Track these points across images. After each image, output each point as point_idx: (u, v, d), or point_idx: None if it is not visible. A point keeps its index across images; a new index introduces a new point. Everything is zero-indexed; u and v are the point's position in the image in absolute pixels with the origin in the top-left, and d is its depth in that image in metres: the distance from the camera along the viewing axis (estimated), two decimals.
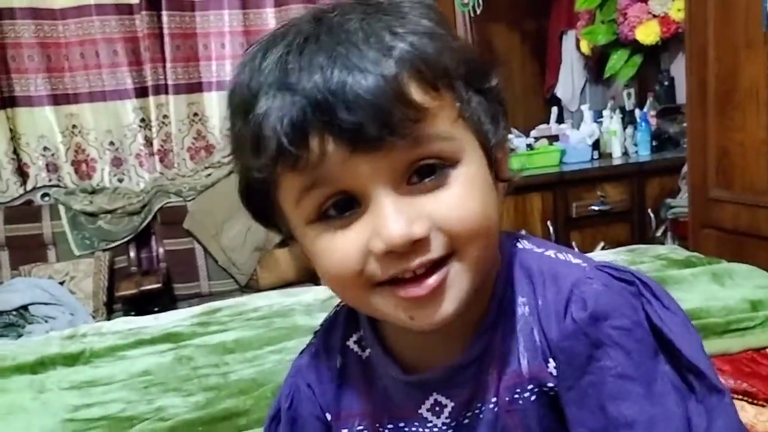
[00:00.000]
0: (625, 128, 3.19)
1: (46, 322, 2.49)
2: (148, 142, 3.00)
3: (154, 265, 2.89)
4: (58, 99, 2.88)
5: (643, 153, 3.13)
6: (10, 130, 2.84)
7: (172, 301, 2.78)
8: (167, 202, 2.88)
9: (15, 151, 2.86)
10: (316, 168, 0.44)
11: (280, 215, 0.50)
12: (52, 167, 2.92)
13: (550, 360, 0.50)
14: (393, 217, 0.44)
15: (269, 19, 3.05)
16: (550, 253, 0.54)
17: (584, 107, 3.26)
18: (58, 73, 2.87)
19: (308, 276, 2.92)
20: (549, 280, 0.51)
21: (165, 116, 3.00)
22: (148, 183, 2.99)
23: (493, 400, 0.51)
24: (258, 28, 3.05)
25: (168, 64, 2.94)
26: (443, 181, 0.46)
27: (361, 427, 0.56)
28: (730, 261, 1.80)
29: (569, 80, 3.43)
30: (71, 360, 1.50)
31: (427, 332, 0.49)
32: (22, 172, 2.88)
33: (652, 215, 2.97)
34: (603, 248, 2.81)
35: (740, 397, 1.29)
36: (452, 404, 0.53)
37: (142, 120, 2.98)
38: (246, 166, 0.48)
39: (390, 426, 0.55)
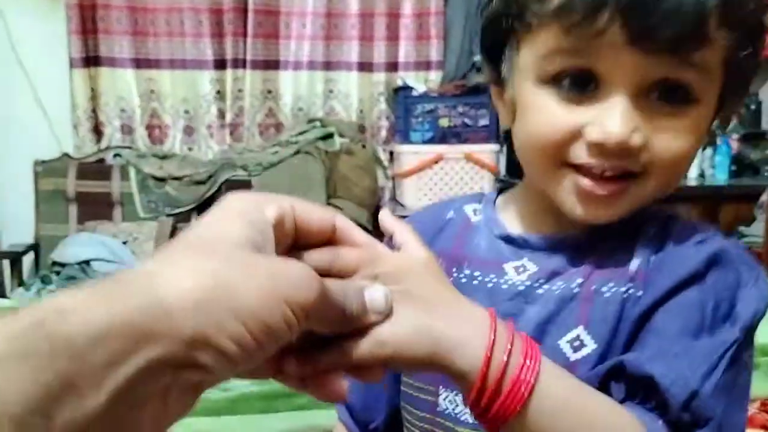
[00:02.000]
0: (703, 149, 3.08)
1: None
2: (221, 114, 3.03)
3: None
4: (139, 63, 2.93)
5: (721, 177, 3.02)
6: (92, 89, 2.91)
7: None
8: (233, 175, 2.91)
9: (93, 110, 2.93)
10: (587, 38, 0.46)
11: (510, 57, 0.53)
12: (127, 129, 2.98)
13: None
14: (621, 118, 0.47)
15: (352, 2, 3.04)
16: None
17: None
18: (143, 38, 2.93)
19: None
20: (682, 223, 0.54)
21: (240, 90, 3.03)
22: (217, 154, 3.03)
23: (579, 281, 0.53)
24: (340, 11, 3.05)
25: (249, 39, 2.97)
26: (680, 110, 0.49)
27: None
28: None
29: None
30: None
31: (551, 205, 0.53)
32: (97, 131, 2.95)
33: None
34: None
35: None
36: (536, 268, 0.55)
37: (218, 92, 3.01)
38: (520, 3, 0.50)
39: (467, 272, 0.57)
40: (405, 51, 3.13)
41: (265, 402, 1.22)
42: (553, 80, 0.50)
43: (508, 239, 0.57)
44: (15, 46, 2.80)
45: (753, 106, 3.09)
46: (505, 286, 0.55)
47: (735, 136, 3.08)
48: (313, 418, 1.22)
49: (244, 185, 2.89)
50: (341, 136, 3.02)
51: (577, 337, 0.52)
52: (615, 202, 0.51)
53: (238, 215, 0.36)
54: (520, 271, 0.55)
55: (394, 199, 3.11)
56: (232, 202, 0.37)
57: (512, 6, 0.51)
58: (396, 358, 0.38)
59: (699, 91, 0.49)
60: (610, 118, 0.47)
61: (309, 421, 1.22)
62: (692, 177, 3.06)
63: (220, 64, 2.98)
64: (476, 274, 0.57)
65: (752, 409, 1.33)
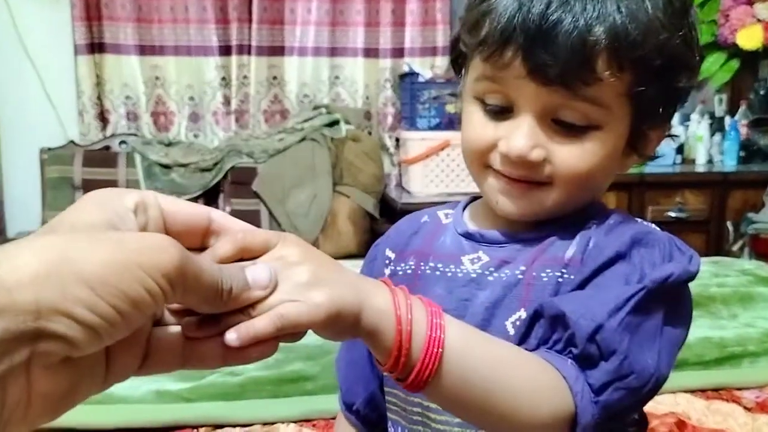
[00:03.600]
0: (712, 135, 3.06)
1: None
2: (227, 100, 3.02)
3: None
4: (144, 50, 2.92)
5: (729, 163, 3.00)
6: (97, 76, 2.90)
7: None
8: (239, 162, 2.90)
9: (98, 97, 2.92)
10: (499, 69, 0.56)
11: (463, 77, 0.64)
12: (132, 116, 2.97)
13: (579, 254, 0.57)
14: (523, 136, 0.56)
15: None
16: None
17: None
18: (147, 24, 2.91)
19: (368, 250, 2.91)
20: (625, 220, 0.59)
21: (245, 77, 3.01)
22: (222, 141, 3.02)
23: (522, 268, 0.59)
24: None
25: (254, 25, 2.95)
26: (579, 134, 0.56)
27: (411, 264, 0.65)
28: None
29: None
30: None
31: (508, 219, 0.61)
32: (103, 118, 2.94)
33: (731, 228, 2.85)
34: None
35: None
36: (488, 258, 0.61)
37: (223, 78, 3.00)
38: (461, 33, 0.61)
39: (431, 264, 0.64)
40: (411, 36, 3.11)
41: (274, 387, 1.21)
42: (481, 99, 0.59)
43: (468, 235, 0.64)
44: (20, 34, 2.79)
45: (762, 92, 3.07)
46: (460, 275, 0.62)
47: (744, 121, 3.05)
48: (322, 403, 1.22)
49: (250, 172, 2.88)
50: (347, 122, 3.01)
51: (519, 318, 0.57)
52: (524, 198, 0.59)
53: (94, 203, 0.38)
54: (474, 261, 0.62)
55: (400, 185, 3.10)
56: (90, 194, 0.39)
57: (459, 36, 0.61)
58: (299, 326, 0.40)
59: (599, 119, 0.56)
60: (515, 136, 0.56)
61: (318, 406, 1.22)
62: (701, 163, 3.04)
63: (225, 51, 2.97)
64: (439, 265, 0.63)
65: (764, 394, 1.33)
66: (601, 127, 0.56)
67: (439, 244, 0.65)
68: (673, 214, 2.82)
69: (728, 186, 2.87)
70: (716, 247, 2.86)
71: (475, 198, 0.69)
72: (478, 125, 0.59)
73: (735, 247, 2.83)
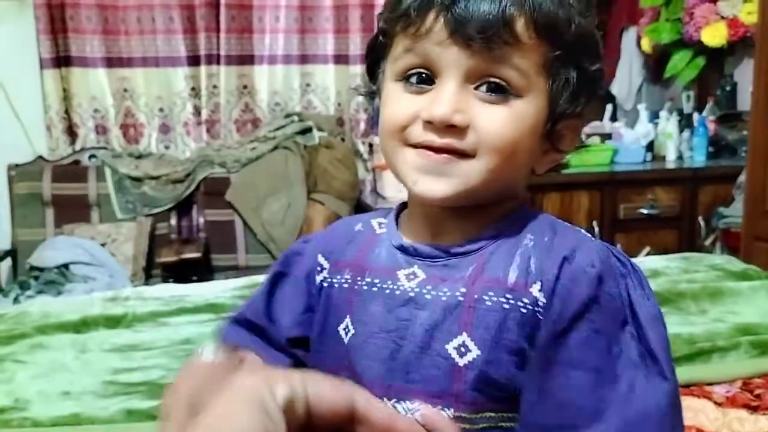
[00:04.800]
0: (681, 131, 3.10)
1: (86, 282, 2.52)
2: (197, 111, 3.00)
3: (193, 234, 2.90)
4: (111, 62, 2.89)
5: (699, 158, 3.04)
6: (64, 89, 2.86)
7: (209, 271, 2.79)
8: (211, 173, 2.88)
9: (66, 111, 2.88)
10: (420, 38, 0.55)
11: (381, 70, 0.62)
12: (101, 129, 2.94)
13: (536, 284, 0.55)
14: (446, 99, 0.55)
15: None
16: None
17: (641, 107, 3.17)
18: (114, 36, 2.88)
19: None
20: (560, 231, 0.59)
21: (215, 86, 3.00)
22: (194, 152, 3.00)
23: (462, 290, 0.57)
24: (314, 3, 3.02)
25: (222, 35, 2.93)
26: (501, 100, 0.55)
27: (348, 277, 0.63)
28: None
29: (626, 78, 3.34)
30: (113, 322, 1.51)
31: (429, 213, 0.60)
32: (71, 132, 2.91)
33: (702, 223, 2.88)
34: (648, 254, 2.73)
35: None
36: (424, 276, 0.59)
37: (192, 89, 2.98)
38: (382, 20, 0.60)
39: (368, 279, 0.61)
40: None
41: None
42: (404, 77, 0.58)
43: (402, 248, 0.61)
44: None
45: (728, 88, 3.11)
46: (398, 292, 0.59)
47: (711, 117, 3.09)
48: None
49: (223, 182, 2.87)
50: (319, 129, 3.00)
51: (463, 344, 0.56)
52: (446, 174, 0.56)
53: (248, 402, 0.37)
54: (410, 278, 0.59)
55: (375, 191, 3.10)
56: (242, 383, 0.39)
57: (381, 25, 0.60)
58: None
59: (519, 86, 0.55)
60: (438, 99, 0.55)
61: None
62: (671, 159, 3.07)
63: (193, 61, 2.95)
64: (375, 281, 0.61)
65: (734, 388, 1.34)
66: (521, 96, 0.56)
67: (375, 257, 0.63)
68: (644, 211, 2.85)
69: (698, 181, 2.91)
70: (689, 242, 2.89)
71: (406, 205, 0.66)
72: (397, 102, 0.58)
73: (707, 242, 2.86)
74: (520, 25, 0.54)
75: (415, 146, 0.57)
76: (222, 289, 1.71)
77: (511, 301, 0.55)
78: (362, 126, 3.17)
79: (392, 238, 0.63)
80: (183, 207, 2.89)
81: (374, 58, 0.63)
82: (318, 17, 3.05)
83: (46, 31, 2.78)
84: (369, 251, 0.64)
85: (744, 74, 3.00)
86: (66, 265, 2.57)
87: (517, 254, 0.57)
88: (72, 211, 2.76)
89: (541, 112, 0.57)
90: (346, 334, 0.61)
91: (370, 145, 3.12)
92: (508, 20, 0.53)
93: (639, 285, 0.57)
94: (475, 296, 0.56)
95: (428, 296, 0.58)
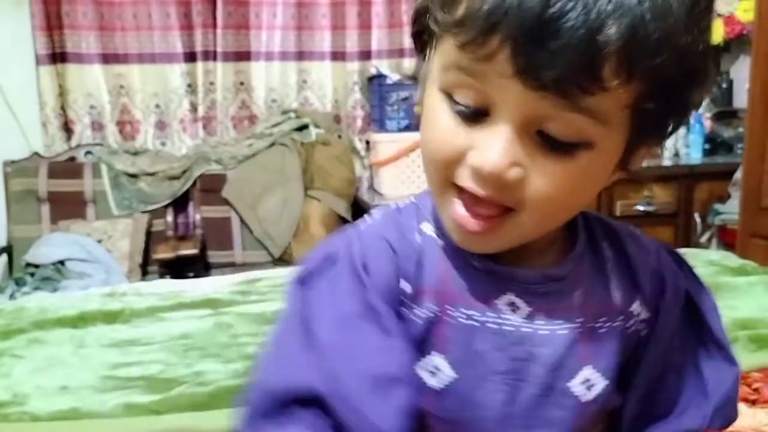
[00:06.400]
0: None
1: (82, 279, 2.51)
2: (193, 107, 2.99)
3: (190, 231, 2.89)
4: (107, 58, 2.88)
5: (695, 155, 3.04)
6: (59, 86, 2.85)
7: (206, 268, 2.78)
8: (207, 170, 2.87)
9: (62, 107, 2.87)
10: (478, 61, 0.43)
11: (429, 53, 0.50)
12: (97, 126, 2.93)
13: (636, 300, 0.55)
14: (501, 150, 0.44)
15: None
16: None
17: None
18: (110, 32, 2.87)
19: None
20: (623, 235, 0.57)
21: (211, 83, 2.99)
22: (190, 149, 2.99)
23: (579, 320, 0.52)
24: (310, 0, 3.01)
25: (219, 31, 2.92)
26: (564, 155, 0.45)
27: (435, 308, 0.52)
28: None
29: None
30: (111, 318, 1.50)
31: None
32: (67, 129, 2.89)
33: (698, 220, 2.89)
34: None
35: None
36: (529, 309, 0.52)
37: (189, 85, 2.97)
38: (430, 11, 0.47)
39: (462, 310, 0.51)
40: (378, 39, 3.11)
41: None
42: (449, 95, 0.47)
43: (490, 271, 0.52)
44: None
45: (724, 85, 3.12)
46: (507, 327, 0.51)
47: (708, 114, 3.10)
48: None
49: (220, 179, 2.86)
50: (316, 126, 3.00)
51: (588, 377, 0.52)
52: (488, 237, 0.48)
53: None
54: (513, 308, 0.52)
55: (372, 188, 3.10)
56: None
57: (428, 8, 0.48)
58: None
59: (590, 136, 0.44)
60: (491, 147, 0.45)
61: None
62: (667, 157, 3.08)
63: (190, 57, 2.94)
64: (471, 313, 0.51)
65: None
66: (592, 146, 0.45)
67: (454, 279, 0.52)
68: (641, 208, 2.85)
69: (695, 178, 2.91)
70: (685, 239, 2.90)
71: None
72: (444, 128, 0.47)
73: (703, 239, 2.87)
74: (609, 69, 0.41)
75: (460, 189, 0.48)
76: (220, 285, 1.70)
77: (623, 323, 0.54)
78: (359, 123, 3.16)
79: (471, 259, 0.52)
80: (179, 204, 2.88)
81: (419, 32, 0.51)
82: (315, 14, 3.05)
83: (41, 27, 2.76)
84: (445, 272, 0.53)
85: (740, 72, 3.01)
86: (62, 262, 2.55)
87: (608, 270, 0.55)
88: (68, 207, 2.75)
89: (615, 153, 0.47)
90: (434, 375, 0.51)
91: (367, 142, 3.12)
92: (594, 64, 0.41)
93: (694, 278, 0.59)
94: (589, 325, 0.53)
95: (544, 331, 0.51)
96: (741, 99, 2.92)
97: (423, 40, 0.51)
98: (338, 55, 3.09)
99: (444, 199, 0.49)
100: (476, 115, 0.46)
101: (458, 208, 0.48)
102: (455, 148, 0.47)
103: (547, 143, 0.45)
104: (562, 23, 0.40)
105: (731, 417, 0.58)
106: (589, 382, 0.52)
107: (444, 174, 0.48)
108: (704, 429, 0.57)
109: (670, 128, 0.48)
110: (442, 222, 0.51)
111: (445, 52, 0.46)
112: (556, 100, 0.42)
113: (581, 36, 0.40)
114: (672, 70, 0.42)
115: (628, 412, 0.57)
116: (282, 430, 0.47)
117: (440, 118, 0.47)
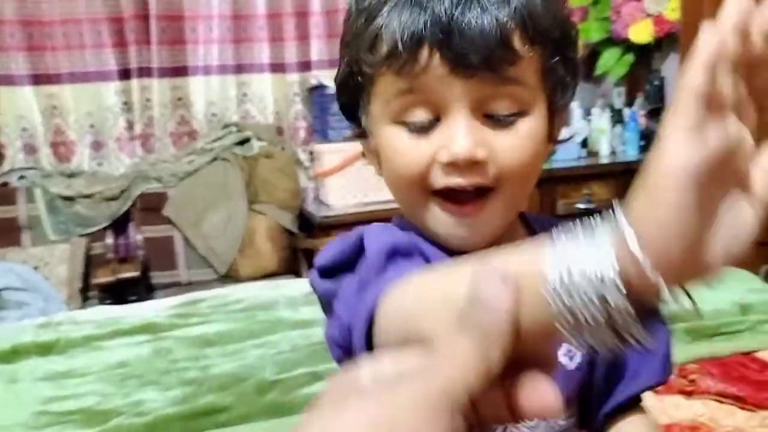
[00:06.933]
0: (613, 126, 3.18)
1: (20, 308, 2.42)
2: (130, 125, 2.92)
3: (131, 252, 2.82)
4: (38, 79, 2.79)
5: (631, 152, 3.12)
6: None
7: (149, 289, 2.72)
8: (147, 188, 2.81)
9: None
10: (417, 76, 0.52)
11: (365, 110, 0.58)
12: (30, 149, 2.84)
13: None
14: (463, 135, 0.52)
15: (258, 3, 2.98)
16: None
17: (574, 104, 3.24)
18: (39, 52, 2.78)
19: (289, 267, 2.87)
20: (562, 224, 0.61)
21: (148, 100, 2.93)
22: (128, 168, 2.92)
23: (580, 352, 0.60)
24: (247, 12, 2.99)
25: (153, 47, 2.87)
26: (512, 123, 0.54)
27: None
28: None
29: None
30: (45, 349, 1.45)
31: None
32: None
33: None
34: None
35: (730, 401, 1.28)
36: None
37: (125, 103, 2.90)
38: (355, 59, 0.55)
39: None
40: (317, 49, 3.10)
41: (184, 422, 1.17)
42: (401, 121, 0.54)
43: None
44: None
45: (656, 83, 3.21)
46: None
47: (642, 112, 3.19)
48: None
49: (160, 197, 2.80)
50: (259, 139, 2.97)
51: (569, 348, 0.58)
52: (477, 221, 0.55)
53: None
54: None
55: (318, 199, 3.08)
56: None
57: (353, 65, 0.56)
58: None
59: (525, 103, 0.54)
60: (456, 138, 0.52)
61: None
62: (604, 155, 3.15)
63: (124, 74, 2.87)
64: None
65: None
66: (528, 112, 0.54)
67: None
68: (582, 206, 2.91)
69: (631, 175, 2.89)
70: None
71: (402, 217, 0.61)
72: (406, 147, 0.54)
73: None
74: (516, 39, 0.52)
75: (441, 191, 0.54)
76: (159, 308, 1.66)
77: None
78: (302, 134, 3.14)
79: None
80: (119, 225, 2.81)
81: (349, 97, 0.59)
82: (252, 26, 3.02)
83: None
84: None
85: (671, 69, 3.10)
86: None
87: None
88: (1, 234, 2.65)
89: (545, 116, 0.56)
90: None
91: (311, 153, 3.10)
92: (505, 39, 0.51)
93: None
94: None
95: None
96: (673, 95, 3.01)
97: (352, 104, 0.59)
98: (278, 67, 3.07)
99: (426, 209, 0.56)
100: (430, 125, 0.54)
101: (443, 205, 0.55)
102: (422, 157, 0.54)
103: (497, 123, 0.53)
104: (470, 17, 0.50)
105: (671, 371, 0.66)
106: (570, 353, 0.58)
107: (420, 186, 0.55)
108: (660, 383, 0.66)
109: (570, 90, 0.58)
110: (429, 229, 0.57)
111: (382, 88, 0.54)
112: (490, 79, 0.51)
113: (488, 22, 0.50)
114: (556, 33, 0.54)
115: (597, 389, 0.64)
116: (399, 269, 0.51)
117: (399, 144, 0.55)
